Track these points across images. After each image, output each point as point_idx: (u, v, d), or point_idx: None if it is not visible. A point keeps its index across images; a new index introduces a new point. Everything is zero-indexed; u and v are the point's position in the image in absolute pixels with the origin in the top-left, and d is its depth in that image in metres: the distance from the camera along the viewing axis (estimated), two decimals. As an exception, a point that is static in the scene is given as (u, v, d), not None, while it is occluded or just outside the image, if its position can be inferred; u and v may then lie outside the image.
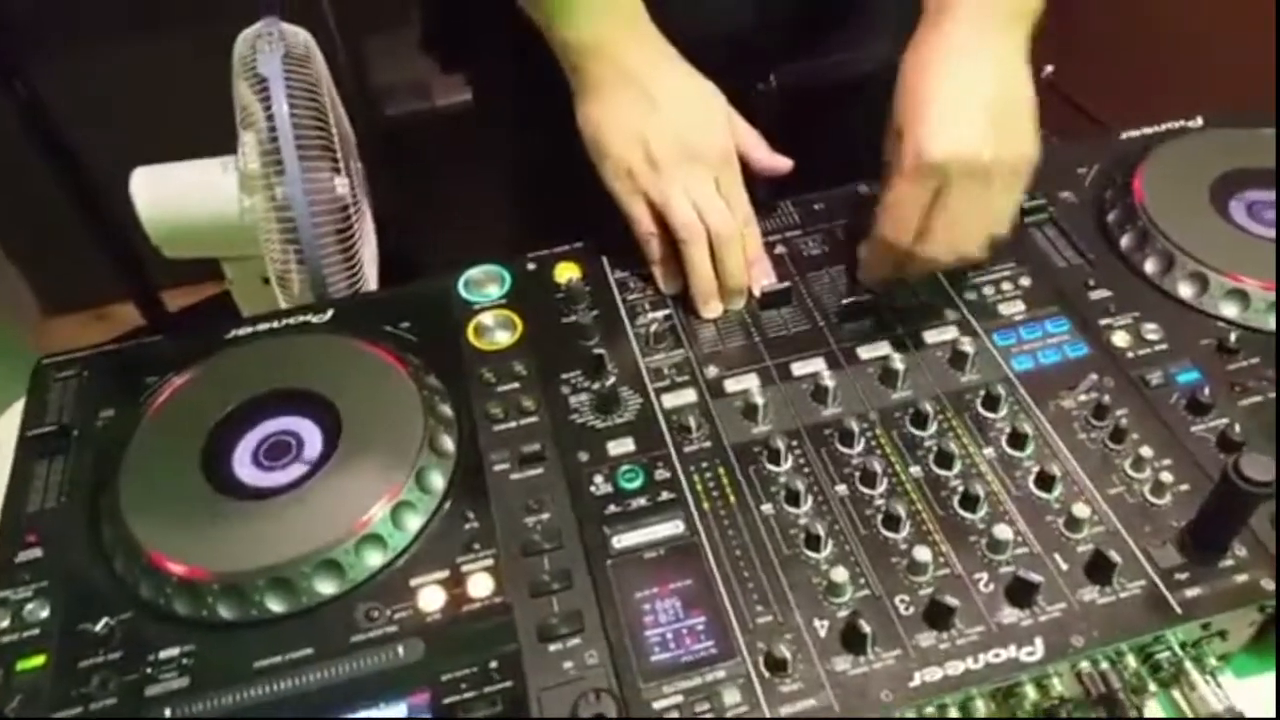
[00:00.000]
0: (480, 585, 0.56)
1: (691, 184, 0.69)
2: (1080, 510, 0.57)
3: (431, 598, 0.55)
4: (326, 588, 0.55)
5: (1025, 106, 0.64)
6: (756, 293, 0.71)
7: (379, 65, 1.62)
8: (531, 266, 0.74)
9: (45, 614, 0.55)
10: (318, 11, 1.49)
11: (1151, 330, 0.68)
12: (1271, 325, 0.68)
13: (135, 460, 0.60)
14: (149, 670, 0.53)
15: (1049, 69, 1.40)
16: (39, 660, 0.53)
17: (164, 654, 0.53)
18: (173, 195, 1.03)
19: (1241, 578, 0.55)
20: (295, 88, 0.93)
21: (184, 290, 1.63)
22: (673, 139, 0.69)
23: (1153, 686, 0.58)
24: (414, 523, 0.58)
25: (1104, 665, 0.54)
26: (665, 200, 0.69)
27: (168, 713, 0.51)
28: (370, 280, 0.99)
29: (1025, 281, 0.71)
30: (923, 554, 0.55)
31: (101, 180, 1.46)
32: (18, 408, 0.69)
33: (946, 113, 0.63)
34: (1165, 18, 1.43)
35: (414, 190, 1.41)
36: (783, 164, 0.74)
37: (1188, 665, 0.56)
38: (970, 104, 0.63)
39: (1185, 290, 0.70)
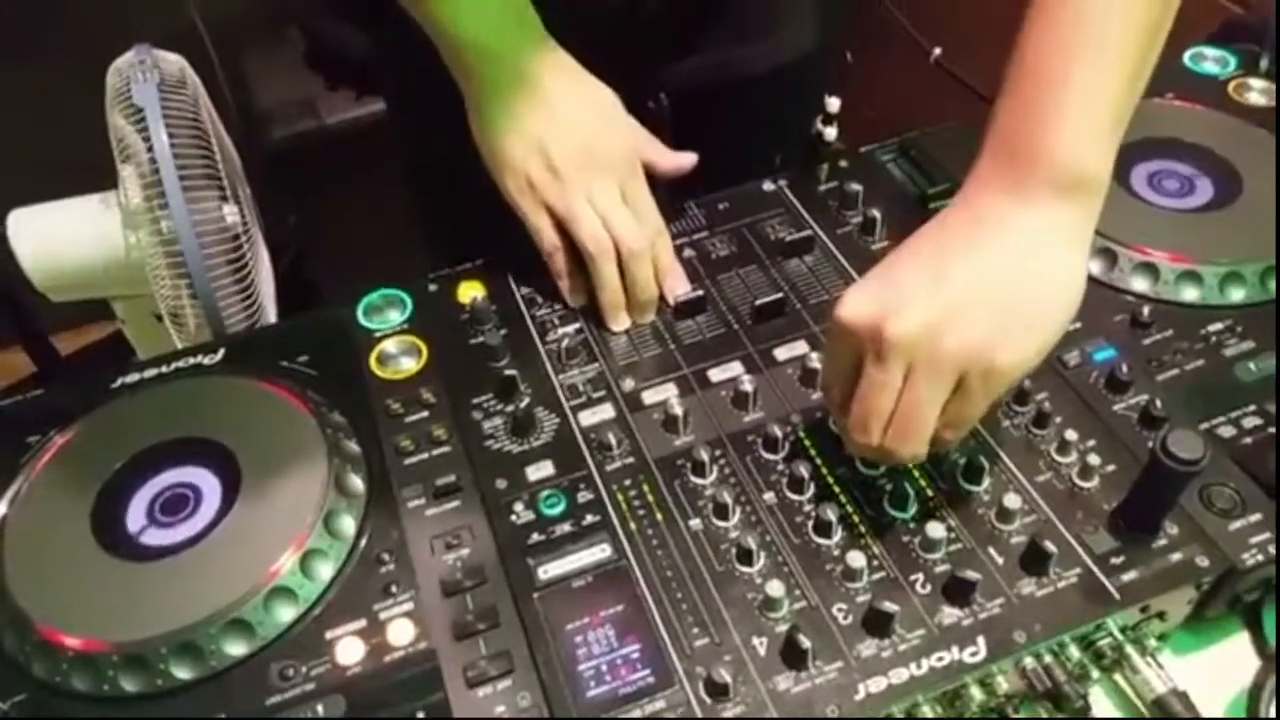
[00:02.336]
0: (401, 632, 0.53)
1: (596, 194, 0.67)
2: (1011, 501, 0.56)
3: (350, 650, 0.52)
4: (236, 649, 0.52)
5: (1040, 302, 0.51)
6: (671, 302, 0.69)
7: (261, 86, 1.57)
8: (433, 288, 0.71)
9: (-71, 704, 0.51)
10: (193, 36, 1.44)
11: (1065, 310, 0.67)
12: (1183, 296, 0.68)
13: (19, 527, 0.56)
14: (48, 756, 0.49)
15: (937, 51, 1.41)
16: (-77, 757, 0.49)
17: (64, 735, 0.49)
18: (53, 236, 0.99)
19: (1176, 556, 0.55)
20: (173, 116, 0.89)
21: (77, 332, 1.56)
22: (574, 146, 0.67)
23: (1095, 674, 0.57)
24: (325, 571, 0.54)
25: (1047, 659, 0.54)
26: (570, 212, 0.66)
27: (70, 802, 0.47)
28: (269, 311, 0.95)
29: (939, 270, 0.70)
30: (857, 560, 0.54)
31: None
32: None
33: (885, 273, 0.53)
34: None
35: (307, 212, 1.36)
36: (687, 160, 0.72)
37: (1129, 649, 0.56)
38: (925, 270, 0.52)
39: (1094, 267, 0.70)
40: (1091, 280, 0.68)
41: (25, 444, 0.61)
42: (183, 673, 0.51)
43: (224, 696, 0.51)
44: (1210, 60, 0.87)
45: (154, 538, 0.56)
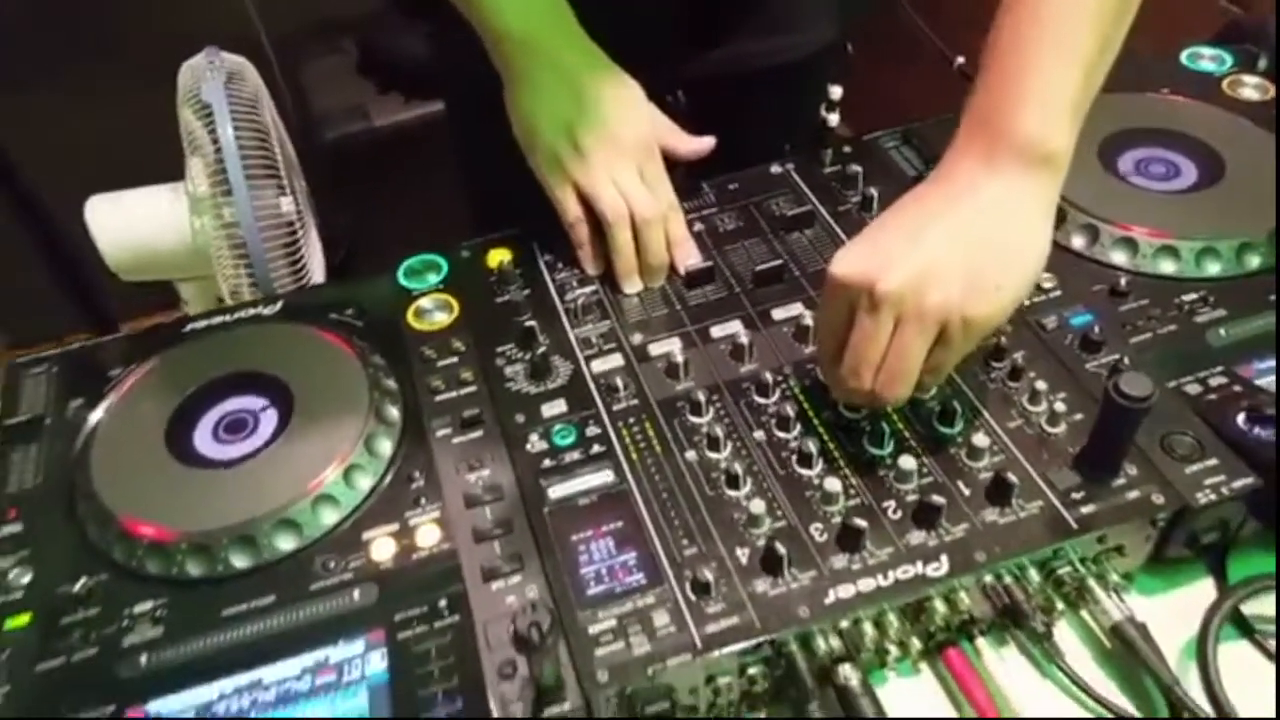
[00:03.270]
0: (428, 535, 0.60)
1: (617, 172, 0.74)
2: (980, 440, 0.62)
3: (383, 548, 0.60)
4: (286, 544, 0.59)
5: (1006, 262, 0.58)
6: (681, 272, 0.76)
7: (317, 91, 1.69)
8: (466, 254, 0.79)
9: (27, 579, 0.59)
10: (255, 44, 1.55)
11: (1046, 279, 0.73)
12: (1160, 269, 0.73)
13: (105, 440, 0.65)
14: (125, 623, 0.57)
15: (960, 60, 1.48)
16: (24, 619, 0.58)
17: (138, 608, 0.57)
18: (126, 221, 1.06)
19: (1133, 494, 0.60)
20: (238, 112, 0.97)
21: (142, 321, 1.68)
22: (599, 129, 0.74)
23: (1060, 605, 0.62)
24: (364, 483, 0.62)
25: (1007, 579, 0.59)
26: (592, 186, 0.74)
27: (143, 659, 0.55)
28: (320, 296, 1.03)
29: (931, 243, 0.76)
30: (833, 484, 0.60)
31: (59, 214, 1.50)
32: None
33: (875, 234, 0.59)
34: None
35: (358, 208, 1.46)
36: (705, 144, 0.79)
37: (1090, 581, 0.61)
38: (908, 231, 0.58)
39: (1077, 241, 0.75)
40: (1073, 254, 0.75)
41: (109, 376, 0.70)
42: (240, 561, 0.59)
43: (274, 582, 0.58)
44: (1207, 59, 0.92)
45: (219, 452, 0.64)
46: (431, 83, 1.40)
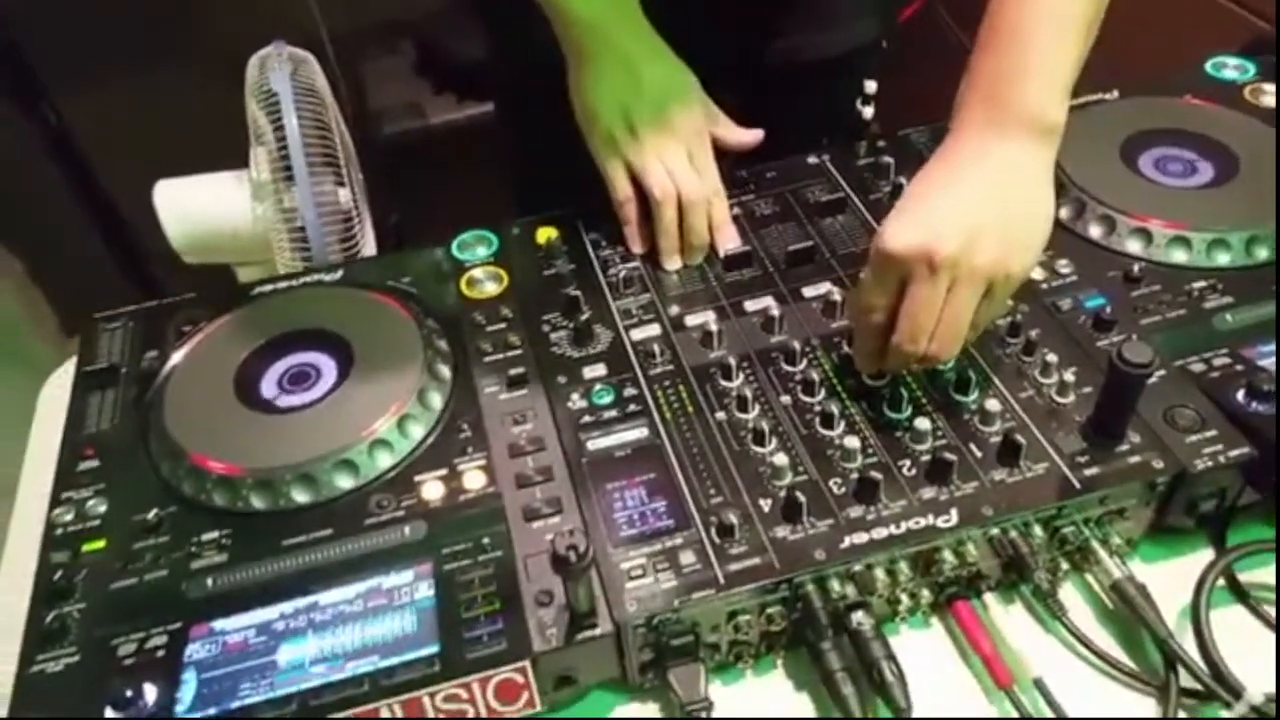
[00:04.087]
0: (474, 479, 0.65)
1: (667, 153, 0.79)
2: (992, 405, 0.66)
3: (433, 490, 0.64)
4: (344, 482, 0.64)
5: (1028, 219, 0.63)
6: (721, 254, 0.80)
7: (375, 89, 1.75)
8: (516, 231, 0.84)
9: (104, 509, 0.65)
10: (317, 42, 1.61)
11: (1064, 265, 0.77)
12: (1172, 259, 0.77)
13: (177, 385, 0.70)
14: (193, 549, 0.62)
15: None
16: (100, 543, 0.63)
17: (205, 537, 0.63)
18: (191, 205, 1.12)
19: (1135, 459, 0.64)
20: (302, 103, 1.02)
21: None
22: (653, 113, 0.78)
23: (1065, 565, 0.66)
24: (417, 431, 0.67)
25: (1013, 534, 0.63)
26: (643, 165, 0.78)
27: (209, 582, 0.60)
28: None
29: (954, 230, 0.81)
30: (852, 442, 0.64)
31: (124, 201, 1.57)
32: (66, 367, 0.79)
33: (916, 206, 0.63)
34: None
35: (412, 200, 1.52)
36: (754, 135, 0.84)
37: (1093, 543, 0.64)
38: (948, 200, 0.63)
39: (1095, 231, 0.79)
40: (1090, 242, 0.79)
41: (182, 331, 0.76)
42: (301, 497, 0.64)
43: (332, 517, 0.63)
44: (1231, 68, 0.95)
45: (283, 400, 0.69)
46: (484, 83, 1.47)
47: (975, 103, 0.65)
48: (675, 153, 0.79)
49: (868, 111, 0.85)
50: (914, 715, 0.58)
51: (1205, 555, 0.67)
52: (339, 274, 0.81)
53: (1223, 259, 0.76)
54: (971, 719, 0.61)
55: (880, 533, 0.61)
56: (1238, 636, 0.61)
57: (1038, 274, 0.76)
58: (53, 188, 1.57)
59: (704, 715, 0.59)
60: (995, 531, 0.62)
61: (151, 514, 0.64)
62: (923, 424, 0.65)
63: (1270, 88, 0.92)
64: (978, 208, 0.62)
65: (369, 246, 1.14)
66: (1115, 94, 0.93)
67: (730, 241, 0.81)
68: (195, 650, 0.57)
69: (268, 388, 0.70)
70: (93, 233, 1.62)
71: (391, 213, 1.40)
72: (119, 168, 1.51)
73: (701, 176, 0.80)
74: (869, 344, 0.67)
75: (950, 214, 0.62)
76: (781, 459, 0.63)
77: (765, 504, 0.62)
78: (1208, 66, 0.96)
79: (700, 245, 0.80)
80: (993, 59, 0.65)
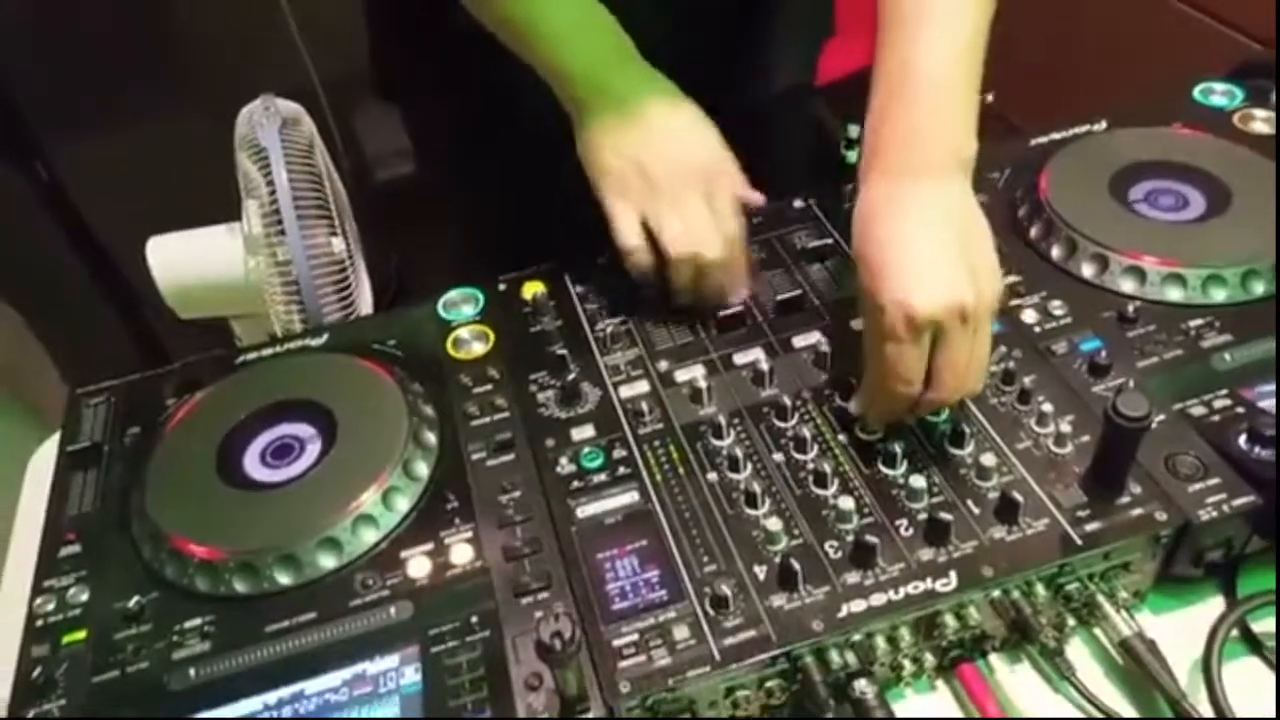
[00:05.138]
0: (461, 554, 0.63)
1: (683, 203, 0.74)
2: (988, 460, 0.64)
3: (419, 566, 0.63)
4: (327, 562, 0.63)
5: (985, 243, 0.66)
6: (718, 315, 0.77)
7: (367, 137, 1.75)
8: (502, 287, 0.83)
9: (85, 597, 0.63)
10: (311, 92, 1.62)
11: (1057, 306, 0.75)
12: (1167, 296, 0.75)
13: (159, 465, 0.69)
14: (175, 638, 0.61)
15: (989, 97, 1.51)
16: (80, 634, 0.62)
17: (188, 624, 0.61)
18: (184, 259, 1.11)
19: (1137, 511, 0.62)
20: (292, 156, 1.02)
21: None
22: (666, 161, 0.75)
23: (1072, 622, 0.64)
24: (402, 504, 0.66)
25: (1015, 594, 0.61)
26: (657, 217, 0.74)
27: (192, 672, 0.59)
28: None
29: (944, 273, 0.79)
30: (847, 503, 0.63)
31: (119, 254, 1.57)
32: (52, 441, 0.78)
33: (924, 267, 0.63)
34: (1085, 48, 1.57)
35: (405, 247, 1.51)
36: (755, 198, 0.79)
37: (1099, 598, 0.63)
38: (935, 248, 0.63)
39: (1087, 270, 0.77)
40: (1083, 282, 0.77)
41: (165, 405, 0.74)
42: (284, 579, 0.62)
43: (315, 599, 0.62)
44: (1219, 94, 0.94)
45: (266, 476, 0.68)
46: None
47: (895, 149, 0.67)
48: (693, 203, 0.75)
49: (851, 155, 0.84)
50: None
51: (1216, 603, 0.66)
52: (324, 338, 0.79)
53: (1219, 295, 0.74)
54: (979, 786, 0.59)
55: (879, 599, 0.59)
56: (1252, 687, 0.60)
57: (1030, 317, 0.75)
58: (48, 242, 1.57)
59: (704, 792, 0.57)
60: (997, 593, 0.60)
61: (133, 601, 0.62)
62: (918, 481, 0.63)
63: (1260, 113, 0.91)
64: (960, 250, 0.64)
65: (365, 293, 1.13)
66: (1103, 124, 0.91)
67: (743, 294, 0.79)
68: (179, 746, 0.56)
69: (250, 463, 0.69)
70: (89, 285, 1.61)
71: (387, 257, 1.39)
72: (112, 221, 1.51)
73: (722, 224, 0.75)
74: (900, 406, 0.66)
75: (949, 262, 0.63)
76: (775, 523, 0.62)
77: (760, 571, 0.61)
78: (1195, 93, 0.95)
79: (717, 302, 0.78)
80: (907, 108, 0.67)
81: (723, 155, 0.77)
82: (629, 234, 0.75)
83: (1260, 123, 0.90)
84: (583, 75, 0.76)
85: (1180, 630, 0.64)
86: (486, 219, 1.10)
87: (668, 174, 0.74)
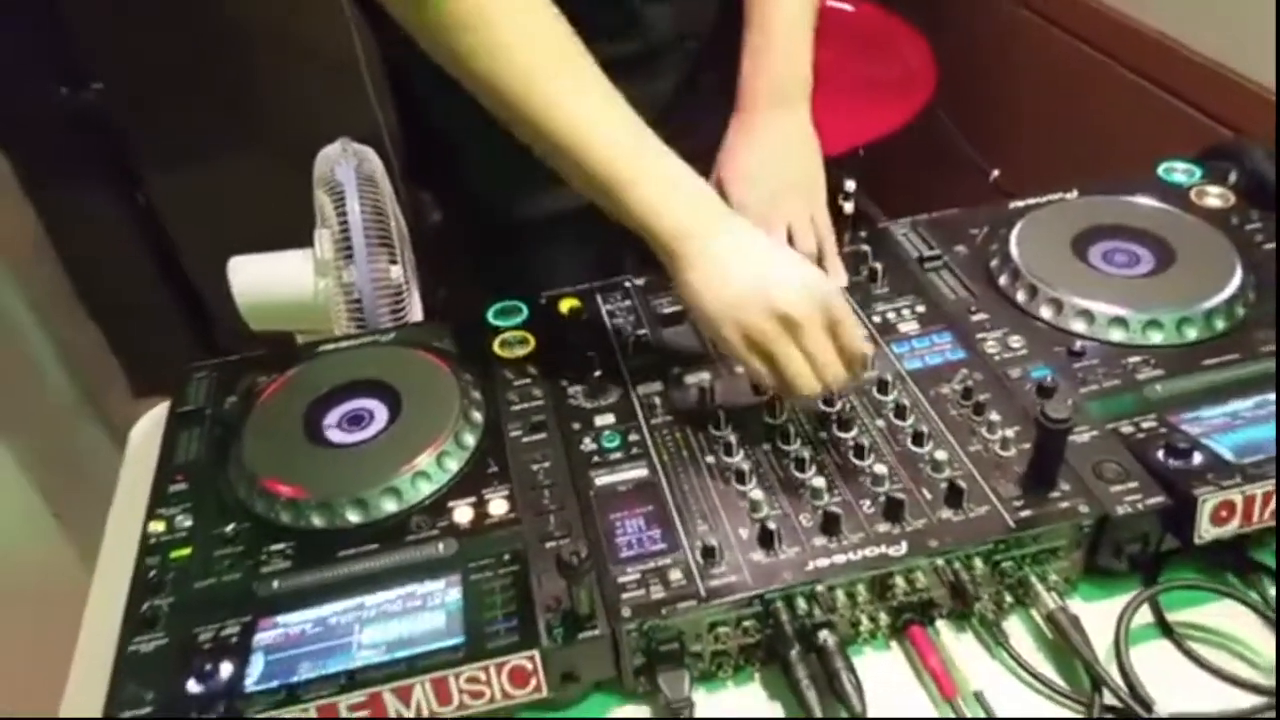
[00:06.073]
0: (498, 507, 0.77)
1: (810, 340, 0.77)
2: (942, 455, 0.77)
3: (463, 514, 0.76)
4: (389, 506, 0.76)
5: (814, 159, 0.98)
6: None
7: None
8: (543, 302, 0.97)
9: (189, 523, 0.77)
10: (377, 137, 1.79)
11: (1016, 340, 0.88)
12: (1111, 337, 0.88)
13: (255, 424, 0.83)
14: (262, 558, 0.74)
15: (995, 173, 1.66)
16: (185, 551, 0.75)
17: (273, 548, 0.75)
18: (260, 278, 1.24)
19: (1064, 504, 0.74)
20: (363, 192, 1.17)
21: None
22: (762, 304, 0.76)
23: (1010, 599, 0.76)
24: (452, 465, 0.79)
25: (956, 565, 0.73)
26: (787, 359, 0.77)
27: (275, 584, 0.72)
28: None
29: (920, 309, 0.93)
30: (819, 483, 0.75)
31: (198, 275, 1.74)
32: (164, 407, 0.93)
33: (735, 297, 0.77)
34: (1084, 133, 1.72)
35: (454, 281, 1.66)
36: (843, 279, 0.97)
37: (1031, 578, 0.74)
38: (751, 273, 0.77)
39: (1045, 312, 0.90)
40: (1041, 321, 0.90)
41: (258, 380, 0.89)
42: (354, 517, 0.76)
43: (378, 535, 0.75)
44: (1180, 172, 1.08)
45: (341, 438, 0.82)
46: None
47: (763, 91, 0.99)
48: (818, 338, 0.77)
49: (848, 206, 0.98)
50: (868, 718, 0.68)
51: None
52: (391, 336, 0.94)
53: (1156, 338, 0.87)
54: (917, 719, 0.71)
55: (840, 559, 0.71)
56: (1163, 666, 0.71)
57: (992, 348, 0.88)
58: (136, 264, 1.74)
59: (686, 714, 0.69)
60: (940, 562, 0.72)
61: (229, 528, 0.76)
62: (881, 469, 0.76)
63: (1214, 189, 1.04)
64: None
65: (416, 316, 1.28)
66: (1075, 193, 1.05)
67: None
68: (263, 638, 0.69)
69: (329, 427, 0.83)
70: (166, 303, 1.78)
71: (438, 288, 1.54)
72: (196, 246, 1.68)
73: (847, 348, 0.78)
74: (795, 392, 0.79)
75: (752, 283, 0.78)
76: (759, 495, 0.75)
77: (744, 532, 0.73)
78: (1160, 170, 1.08)
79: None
80: (769, 59, 0.99)
81: (818, 284, 0.79)
82: (760, 376, 0.79)
83: (1214, 198, 1.03)
84: (672, 230, 0.78)
85: (1105, 616, 0.74)
86: (522, 259, 1.24)
87: (770, 317, 0.76)
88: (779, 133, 0.98)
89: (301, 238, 1.20)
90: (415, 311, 1.28)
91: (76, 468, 1.87)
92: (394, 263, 1.19)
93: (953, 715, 0.69)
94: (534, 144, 0.79)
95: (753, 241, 0.80)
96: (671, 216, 0.78)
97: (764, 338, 0.77)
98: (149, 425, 0.98)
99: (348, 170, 1.20)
